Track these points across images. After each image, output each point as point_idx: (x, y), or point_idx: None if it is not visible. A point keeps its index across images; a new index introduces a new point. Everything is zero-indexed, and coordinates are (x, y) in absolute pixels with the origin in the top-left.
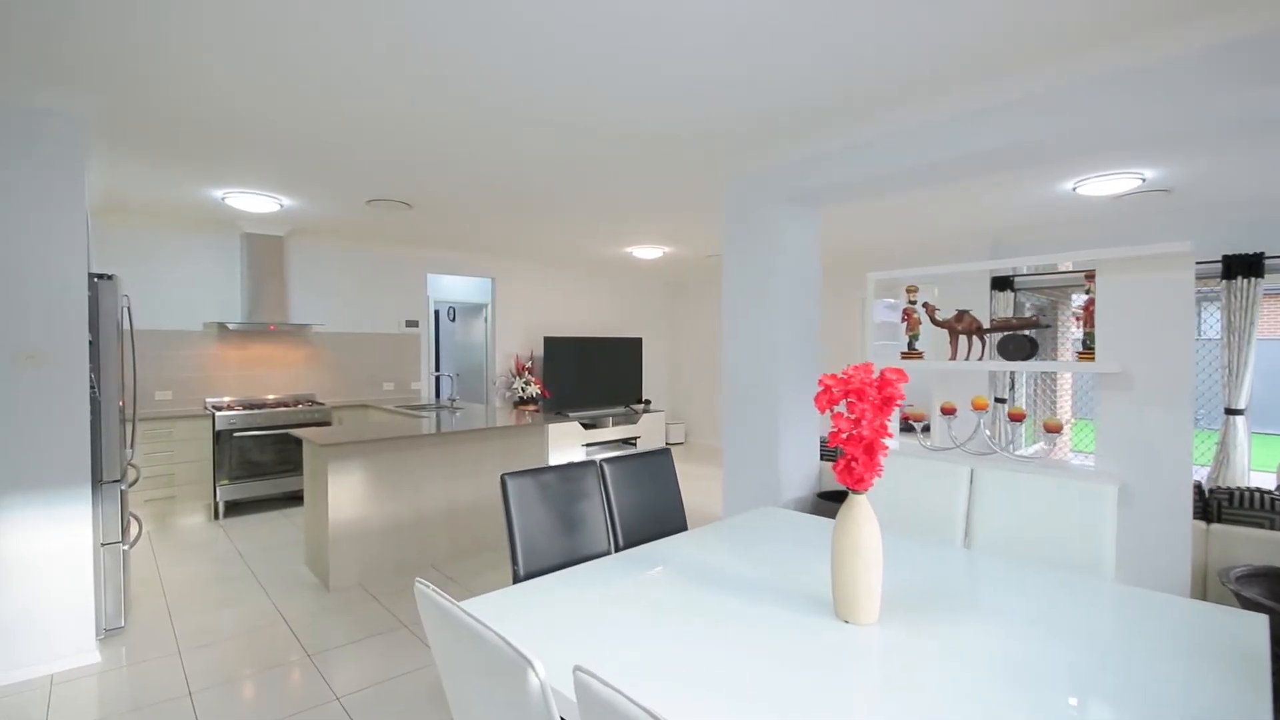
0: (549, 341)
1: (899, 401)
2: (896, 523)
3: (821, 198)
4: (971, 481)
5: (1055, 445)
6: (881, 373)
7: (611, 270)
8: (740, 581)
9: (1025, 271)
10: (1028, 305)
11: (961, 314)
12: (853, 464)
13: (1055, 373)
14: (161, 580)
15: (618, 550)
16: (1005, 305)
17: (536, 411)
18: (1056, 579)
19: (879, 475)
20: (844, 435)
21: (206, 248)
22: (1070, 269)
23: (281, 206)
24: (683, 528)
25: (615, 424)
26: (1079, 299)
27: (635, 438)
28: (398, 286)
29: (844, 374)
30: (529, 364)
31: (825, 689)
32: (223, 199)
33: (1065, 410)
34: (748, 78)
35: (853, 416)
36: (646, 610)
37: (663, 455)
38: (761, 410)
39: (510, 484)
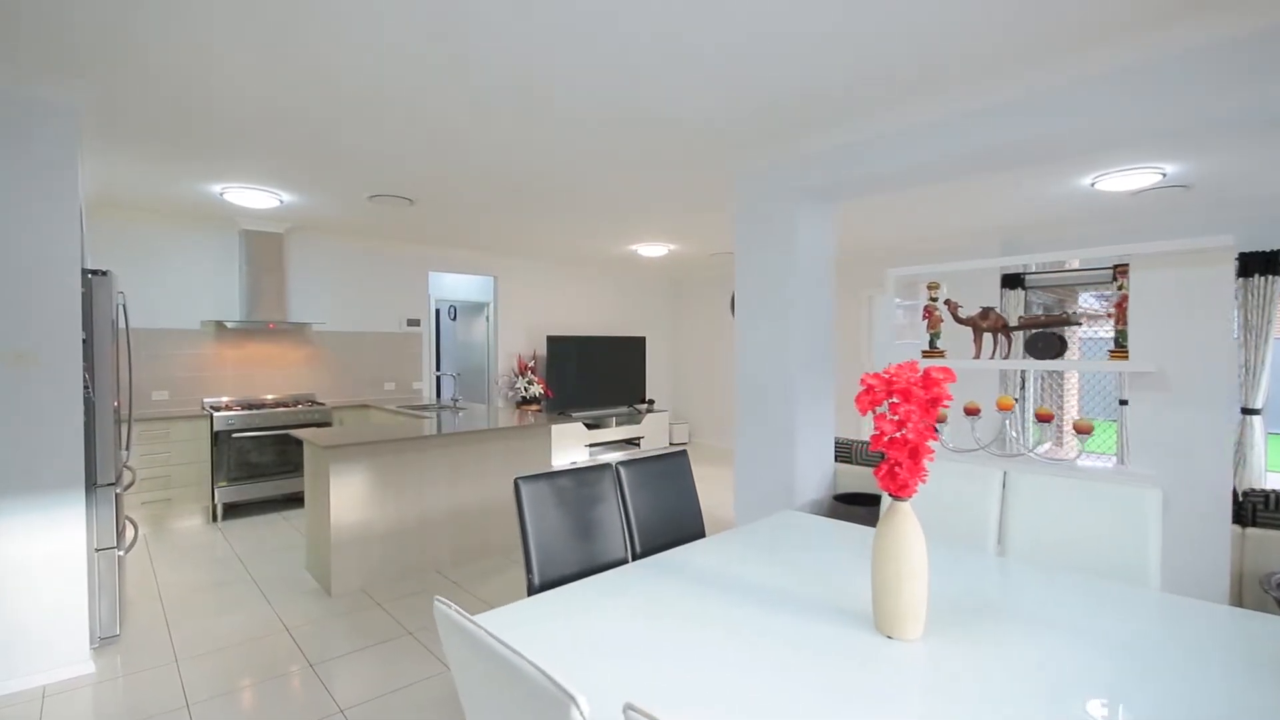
0: (552, 341)
1: (945, 402)
2: (924, 527)
3: (837, 193)
4: (1004, 485)
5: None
6: (926, 371)
7: (615, 269)
8: (772, 593)
9: (1035, 269)
10: (1035, 304)
11: (987, 311)
12: (896, 469)
13: (1063, 372)
14: (158, 586)
15: (635, 557)
16: (1016, 303)
17: (539, 412)
18: (1102, 588)
19: (923, 481)
20: (887, 438)
21: (204, 244)
22: (1079, 267)
23: (281, 202)
24: (700, 532)
25: (619, 424)
26: (1086, 297)
27: (639, 438)
28: (399, 285)
29: (887, 373)
30: (532, 363)
31: (876, 711)
32: (221, 194)
33: (1073, 409)
34: (763, 59)
35: (895, 418)
36: (674, 627)
37: (679, 457)
38: (775, 411)
39: (524, 488)
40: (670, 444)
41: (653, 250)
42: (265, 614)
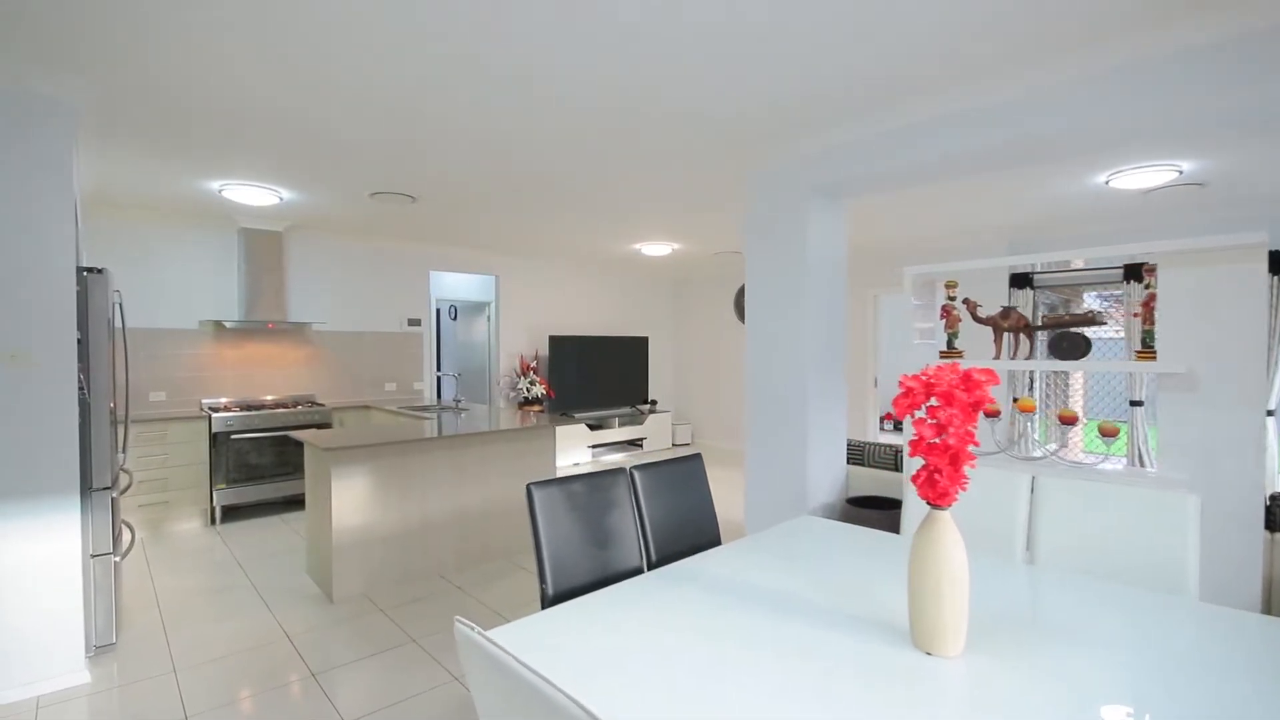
0: (554, 341)
1: (988, 405)
2: None
3: (847, 190)
4: (1032, 490)
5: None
6: (967, 373)
7: (617, 268)
8: (800, 605)
9: (1040, 268)
10: (1041, 304)
11: (1008, 310)
12: (936, 476)
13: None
14: (155, 592)
15: (650, 565)
16: (1024, 303)
17: (541, 412)
18: (1141, 598)
19: (963, 489)
20: (926, 444)
21: (203, 243)
22: (1085, 266)
23: (281, 200)
24: (716, 539)
25: (621, 424)
26: (1089, 298)
27: (641, 439)
28: (399, 284)
29: (926, 374)
30: (534, 363)
31: None
32: (220, 191)
33: (1078, 410)
34: (773, 54)
35: (934, 422)
36: (699, 643)
37: (694, 461)
38: (788, 412)
39: (536, 494)
40: (673, 445)
41: (656, 249)
42: (265, 621)
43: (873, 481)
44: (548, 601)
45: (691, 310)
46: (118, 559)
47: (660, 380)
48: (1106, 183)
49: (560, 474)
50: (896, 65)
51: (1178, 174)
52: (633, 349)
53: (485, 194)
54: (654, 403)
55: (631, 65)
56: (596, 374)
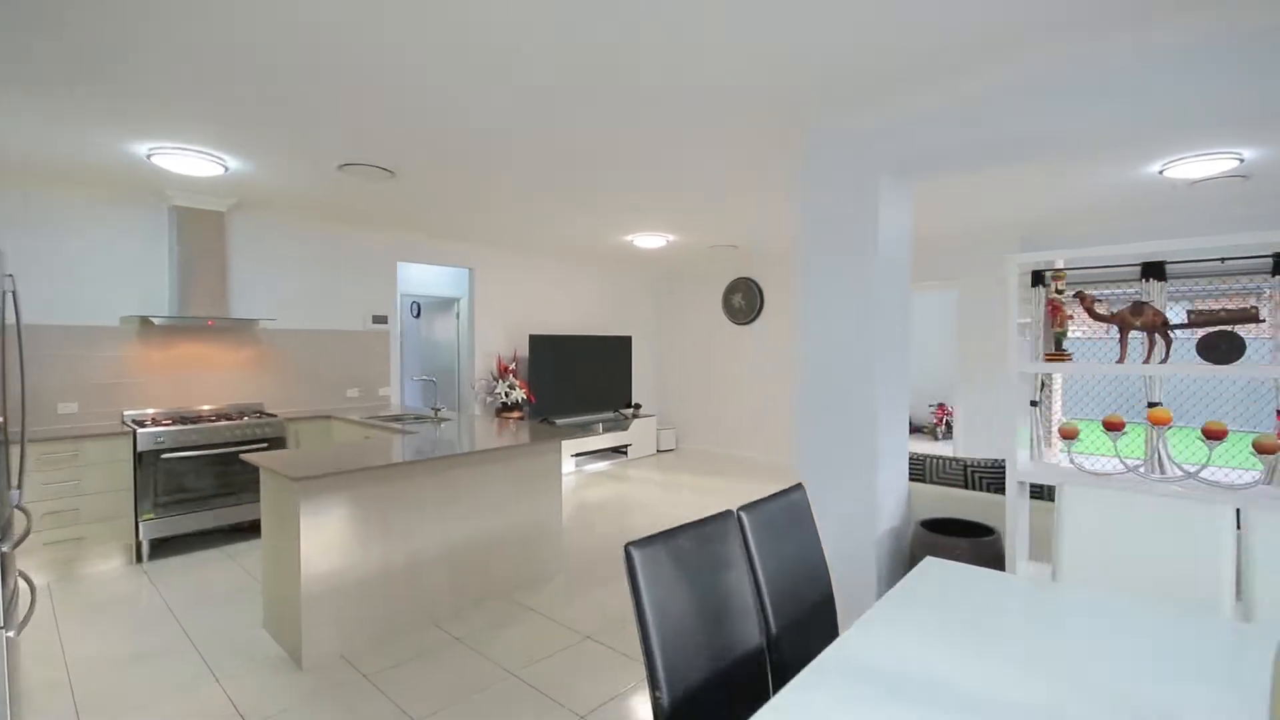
0: (534, 340)
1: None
2: (1105, 579)
3: (922, 168)
4: (1238, 525)
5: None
6: None
7: (601, 262)
8: None
9: (1057, 264)
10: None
11: (1140, 306)
12: None
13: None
14: (66, 663)
15: (770, 639)
16: (1037, 301)
17: (521, 419)
18: None
19: None
20: None
21: (125, 221)
22: (1098, 264)
23: (226, 170)
24: (829, 591)
25: (605, 430)
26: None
27: (626, 445)
28: (363, 276)
29: None
30: (513, 365)
31: None
32: (148, 156)
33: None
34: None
35: None
36: None
37: (797, 493)
38: (854, 423)
39: (638, 557)
40: (658, 450)
41: (650, 241)
42: (213, 699)
43: (940, 501)
44: (662, 714)
45: (678, 309)
46: (11, 634)
47: (643, 383)
48: (1160, 172)
49: None
50: (1003, 17)
51: (1238, 162)
52: (616, 349)
53: (475, 172)
54: (638, 406)
55: (663, 23)
56: (577, 376)
